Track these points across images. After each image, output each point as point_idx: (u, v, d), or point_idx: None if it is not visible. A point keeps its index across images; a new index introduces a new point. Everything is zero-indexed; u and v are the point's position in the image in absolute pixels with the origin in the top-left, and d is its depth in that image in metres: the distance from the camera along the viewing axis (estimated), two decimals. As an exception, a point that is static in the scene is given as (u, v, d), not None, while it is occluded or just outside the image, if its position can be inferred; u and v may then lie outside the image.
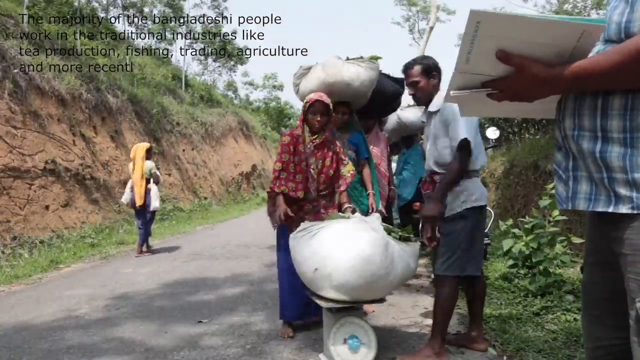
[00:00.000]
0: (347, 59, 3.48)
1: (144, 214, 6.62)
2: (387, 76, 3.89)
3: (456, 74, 1.11)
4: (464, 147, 2.42)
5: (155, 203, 6.64)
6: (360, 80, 3.32)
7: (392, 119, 4.92)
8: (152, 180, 6.67)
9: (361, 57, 3.47)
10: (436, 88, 2.67)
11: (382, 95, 3.73)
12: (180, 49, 24.30)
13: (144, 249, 6.79)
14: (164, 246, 7.58)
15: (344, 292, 2.34)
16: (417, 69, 2.63)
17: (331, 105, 3.01)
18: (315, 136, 3.00)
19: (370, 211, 3.41)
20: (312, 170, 2.97)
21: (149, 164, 6.67)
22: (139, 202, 6.52)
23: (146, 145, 6.88)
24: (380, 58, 3.66)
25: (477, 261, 2.56)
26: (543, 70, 1.02)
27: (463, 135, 2.40)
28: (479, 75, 1.10)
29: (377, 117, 4.34)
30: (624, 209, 0.99)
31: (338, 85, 3.29)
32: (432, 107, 2.63)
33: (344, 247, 2.29)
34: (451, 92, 1.14)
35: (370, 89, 3.46)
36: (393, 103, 4.09)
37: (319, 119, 2.93)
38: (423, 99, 2.68)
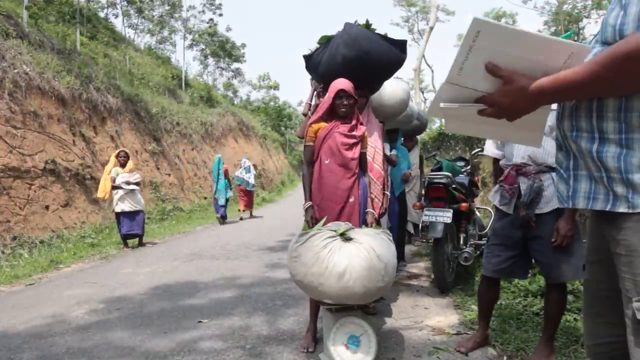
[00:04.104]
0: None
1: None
2: (385, 37, 3.15)
3: (446, 85, 1.13)
4: None
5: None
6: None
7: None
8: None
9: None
10: None
11: (379, 64, 3.10)
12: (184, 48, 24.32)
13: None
14: (164, 246, 7.57)
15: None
16: None
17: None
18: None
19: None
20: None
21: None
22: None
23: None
24: (371, 25, 3.24)
25: None
26: (530, 82, 1.05)
27: None
28: (468, 90, 1.12)
29: (370, 94, 3.57)
30: (620, 208, 1.01)
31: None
32: None
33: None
34: (441, 104, 1.16)
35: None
36: (392, 75, 3.38)
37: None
38: None
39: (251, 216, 12.28)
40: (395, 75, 3.54)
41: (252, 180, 11.72)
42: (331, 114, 2.89)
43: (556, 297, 2.51)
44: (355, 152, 2.82)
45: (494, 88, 1.10)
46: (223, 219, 10.69)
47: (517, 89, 1.06)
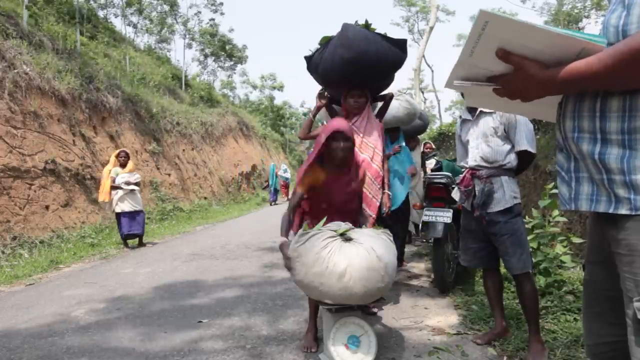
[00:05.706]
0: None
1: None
2: (385, 37, 3.14)
3: (459, 64, 1.14)
4: (532, 160, 2.73)
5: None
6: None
7: (401, 104, 4.16)
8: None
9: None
10: None
11: (378, 64, 3.07)
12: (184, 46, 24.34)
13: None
14: (164, 246, 7.57)
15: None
16: None
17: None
18: None
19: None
20: None
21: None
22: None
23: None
24: (370, 24, 3.22)
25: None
26: (539, 70, 1.05)
27: (527, 149, 2.63)
28: (481, 69, 1.13)
29: (373, 96, 3.50)
30: (622, 210, 1.00)
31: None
32: None
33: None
34: (455, 81, 1.18)
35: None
36: (392, 75, 3.39)
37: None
38: None
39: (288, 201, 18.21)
40: (393, 77, 3.56)
41: (288, 175, 19.47)
42: (327, 159, 2.59)
43: (521, 287, 2.67)
44: (354, 200, 2.77)
45: (506, 69, 1.09)
46: (274, 203, 17.33)
47: (526, 76, 1.06)
